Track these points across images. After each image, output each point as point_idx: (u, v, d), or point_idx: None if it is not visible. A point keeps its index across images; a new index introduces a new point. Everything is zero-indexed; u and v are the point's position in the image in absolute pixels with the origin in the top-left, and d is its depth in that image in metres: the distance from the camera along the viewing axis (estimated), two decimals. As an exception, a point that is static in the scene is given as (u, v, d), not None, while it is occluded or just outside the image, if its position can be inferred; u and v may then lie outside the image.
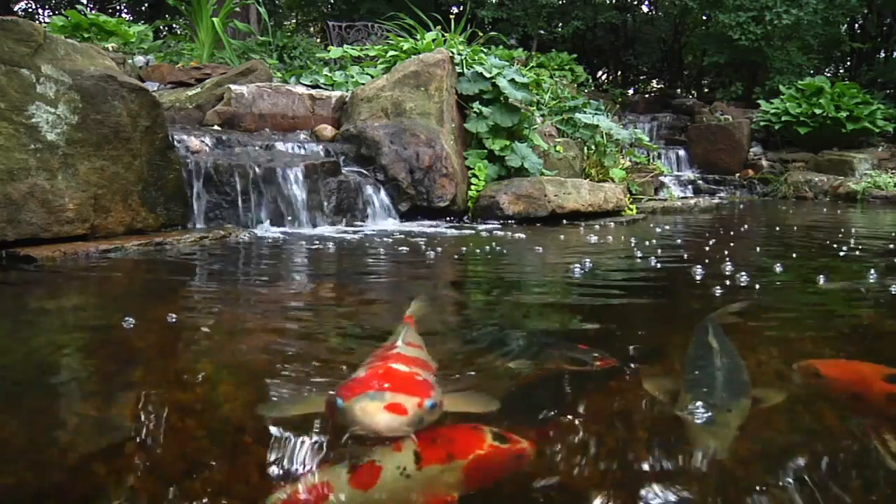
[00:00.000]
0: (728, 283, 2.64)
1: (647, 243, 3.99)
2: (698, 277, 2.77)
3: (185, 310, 2.38)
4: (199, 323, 2.15)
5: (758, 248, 4.20)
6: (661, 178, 8.18)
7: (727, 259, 3.14)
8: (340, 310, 2.38)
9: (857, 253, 3.67)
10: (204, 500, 1.03)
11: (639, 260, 3.37)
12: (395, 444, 1.03)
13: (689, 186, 9.49)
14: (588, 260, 3.13)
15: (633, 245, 3.97)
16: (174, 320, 2.03)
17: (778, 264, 3.04)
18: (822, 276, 2.76)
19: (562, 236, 4.52)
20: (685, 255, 3.65)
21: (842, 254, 3.59)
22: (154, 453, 1.18)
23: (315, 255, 3.58)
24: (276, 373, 1.64)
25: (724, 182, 9.92)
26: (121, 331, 1.94)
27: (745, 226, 5.62)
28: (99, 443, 1.25)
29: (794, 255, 3.74)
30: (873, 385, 1.42)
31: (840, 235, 4.69)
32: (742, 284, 2.61)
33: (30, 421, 1.37)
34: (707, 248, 3.83)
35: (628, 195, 6.39)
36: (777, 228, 5.22)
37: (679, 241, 4.50)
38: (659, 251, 3.66)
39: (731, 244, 4.04)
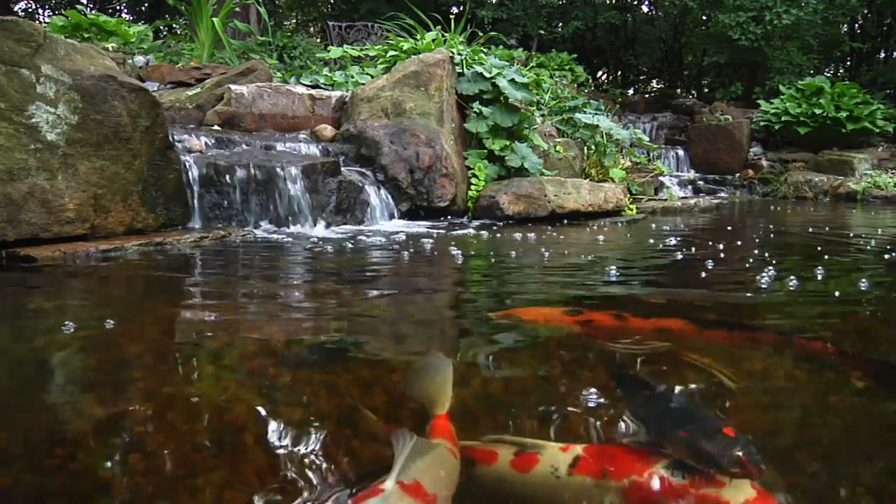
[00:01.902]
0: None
1: (684, 247, 3.99)
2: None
3: (185, 310, 2.38)
4: (199, 323, 2.15)
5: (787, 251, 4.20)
6: (661, 178, 8.18)
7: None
8: (340, 310, 2.38)
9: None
10: (203, 500, 1.03)
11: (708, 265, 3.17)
12: (565, 445, 1.10)
13: (689, 186, 9.49)
14: (613, 265, 3.10)
15: (670, 246, 3.94)
16: (111, 325, 2.01)
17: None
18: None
19: (563, 236, 4.52)
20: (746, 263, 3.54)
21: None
22: (154, 453, 1.18)
23: (315, 255, 3.57)
24: (276, 373, 1.64)
25: (724, 182, 9.92)
26: (121, 331, 1.94)
27: (770, 225, 5.58)
28: (99, 442, 1.25)
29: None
30: (561, 318, 2.13)
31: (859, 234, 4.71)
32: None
33: (30, 421, 1.37)
34: (738, 248, 3.82)
35: (628, 195, 6.39)
36: (810, 230, 5.14)
37: (723, 248, 4.43)
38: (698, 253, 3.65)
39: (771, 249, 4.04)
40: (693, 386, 1.48)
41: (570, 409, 1.39)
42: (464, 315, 2.43)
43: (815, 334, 2.02)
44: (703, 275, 2.94)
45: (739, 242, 4.16)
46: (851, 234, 4.83)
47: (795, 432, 1.34)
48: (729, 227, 5.56)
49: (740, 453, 0.95)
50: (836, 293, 2.68)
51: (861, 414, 1.43)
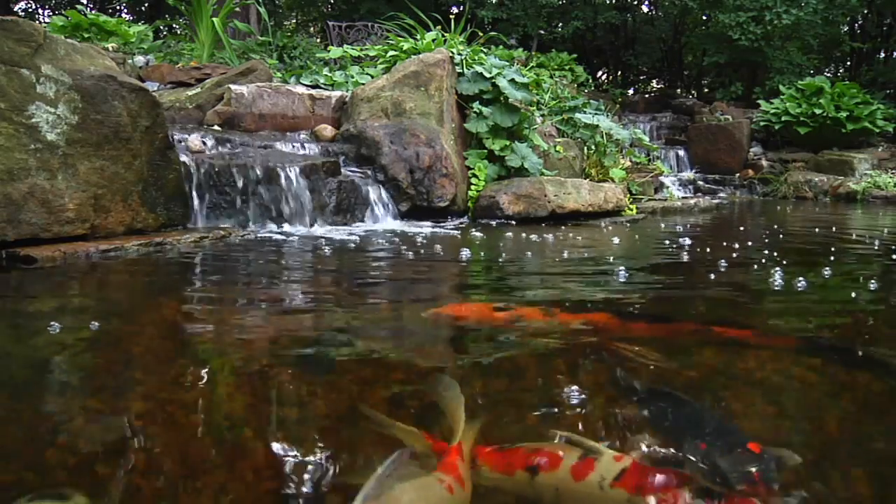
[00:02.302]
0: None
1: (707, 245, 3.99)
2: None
3: (185, 310, 2.38)
4: (199, 323, 2.15)
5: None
6: (661, 178, 8.17)
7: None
8: (340, 310, 2.38)
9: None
10: (203, 500, 1.03)
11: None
12: (619, 454, 1.11)
13: (689, 186, 9.48)
14: (622, 267, 3.10)
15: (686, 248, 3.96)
16: (111, 325, 2.03)
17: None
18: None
19: (563, 236, 4.52)
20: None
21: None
22: (154, 453, 1.18)
23: (315, 255, 3.58)
24: (276, 374, 1.64)
25: (724, 182, 9.92)
26: (121, 331, 1.94)
27: (774, 225, 5.58)
28: (99, 442, 1.25)
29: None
30: (491, 314, 2.16)
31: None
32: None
33: (30, 420, 1.37)
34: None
35: (628, 195, 6.39)
36: (817, 230, 5.16)
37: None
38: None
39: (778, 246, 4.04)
40: (619, 369, 1.63)
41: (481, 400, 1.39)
42: (399, 311, 2.43)
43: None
44: (712, 276, 2.95)
45: (749, 243, 4.13)
46: (867, 236, 4.81)
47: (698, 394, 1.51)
48: (738, 227, 5.56)
49: (754, 470, 0.93)
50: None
51: (770, 375, 1.69)
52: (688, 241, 4.18)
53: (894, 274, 3.18)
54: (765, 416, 1.41)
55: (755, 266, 3.27)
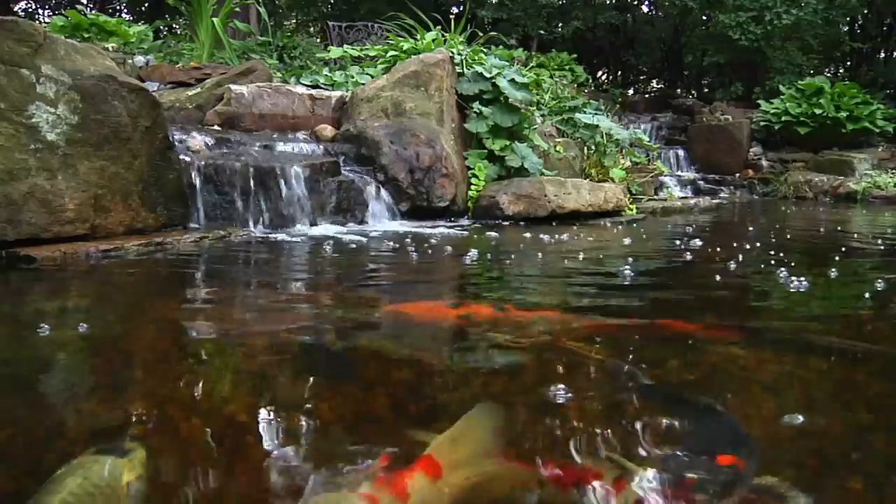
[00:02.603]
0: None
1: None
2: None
3: (185, 310, 2.38)
4: (199, 323, 2.15)
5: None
6: (661, 178, 8.18)
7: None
8: (340, 311, 2.38)
9: None
10: (202, 500, 1.02)
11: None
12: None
13: (689, 186, 9.48)
14: (628, 266, 3.11)
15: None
16: (110, 326, 2.05)
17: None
18: None
19: (562, 236, 4.52)
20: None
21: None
22: (154, 453, 1.18)
23: (315, 255, 3.58)
24: (275, 374, 1.64)
25: (724, 182, 9.92)
26: (120, 331, 1.94)
27: (777, 225, 5.58)
28: (99, 444, 1.25)
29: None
30: (446, 312, 2.23)
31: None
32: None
33: (30, 422, 1.37)
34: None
35: (628, 195, 6.39)
36: (821, 230, 5.15)
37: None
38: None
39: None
40: (564, 359, 1.72)
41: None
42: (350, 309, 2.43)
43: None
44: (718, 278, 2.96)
45: (758, 244, 4.13)
46: (875, 238, 4.80)
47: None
48: (740, 227, 5.56)
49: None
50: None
51: (704, 359, 1.80)
52: (687, 242, 4.18)
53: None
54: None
55: (762, 266, 3.27)
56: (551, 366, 1.69)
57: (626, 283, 2.86)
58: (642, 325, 2.11)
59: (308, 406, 1.40)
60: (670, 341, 1.94)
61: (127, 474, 1.00)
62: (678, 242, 4.26)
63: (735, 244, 4.02)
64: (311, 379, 1.59)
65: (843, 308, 2.54)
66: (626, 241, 4.34)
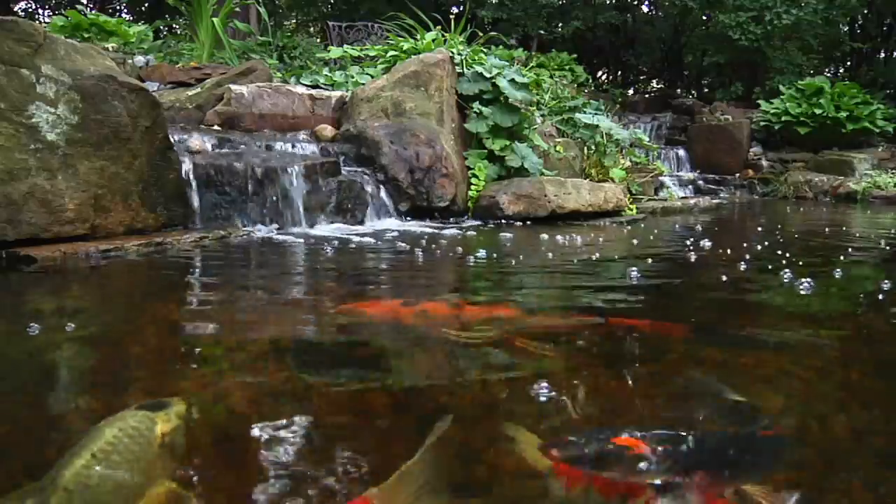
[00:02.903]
0: None
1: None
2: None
3: (185, 310, 2.38)
4: (199, 323, 2.15)
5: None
6: (661, 178, 8.18)
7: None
8: (338, 311, 2.38)
9: None
10: (202, 500, 1.03)
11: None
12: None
13: (689, 186, 9.49)
14: (635, 269, 3.11)
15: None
16: (109, 326, 2.07)
17: None
18: None
19: (560, 236, 4.52)
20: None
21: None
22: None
23: (315, 255, 3.58)
24: (274, 373, 1.64)
25: (724, 182, 9.92)
26: (120, 331, 1.94)
27: (779, 225, 5.57)
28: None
29: None
30: (399, 310, 2.26)
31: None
32: None
33: (29, 422, 1.37)
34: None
35: (628, 195, 6.39)
36: (827, 230, 5.12)
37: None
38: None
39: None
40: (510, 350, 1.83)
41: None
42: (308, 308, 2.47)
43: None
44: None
45: (767, 243, 4.12)
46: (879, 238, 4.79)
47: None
48: (741, 227, 5.56)
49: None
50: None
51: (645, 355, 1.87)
52: (687, 241, 4.18)
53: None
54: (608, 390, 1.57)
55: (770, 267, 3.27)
56: (492, 361, 1.74)
57: (615, 283, 2.86)
58: (594, 322, 2.16)
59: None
60: (617, 337, 2.00)
61: (162, 426, 1.08)
62: (678, 242, 4.26)
63: (743, 244, 4.02)
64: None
65: (840, 307, 2.55)
66: (625, 241, 4.34)
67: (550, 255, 3.73)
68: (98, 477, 0.91)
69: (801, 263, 3.18)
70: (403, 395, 1.51)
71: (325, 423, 1.34)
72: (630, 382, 1.60)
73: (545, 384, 1.47)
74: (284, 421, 1.31)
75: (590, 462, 1.10)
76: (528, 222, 5.12)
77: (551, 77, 9.55)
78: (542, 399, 1.42)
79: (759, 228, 5.29)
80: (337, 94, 5.92)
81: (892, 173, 8.98)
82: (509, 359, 1.78)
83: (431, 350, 1.90)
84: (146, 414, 1.10)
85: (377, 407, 1.42)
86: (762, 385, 1.61)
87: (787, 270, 2.83)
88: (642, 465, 1.09)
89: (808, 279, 2.61)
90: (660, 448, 1.13)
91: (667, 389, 1.58)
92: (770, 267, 3.21)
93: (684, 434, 1.24)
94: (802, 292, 2.54)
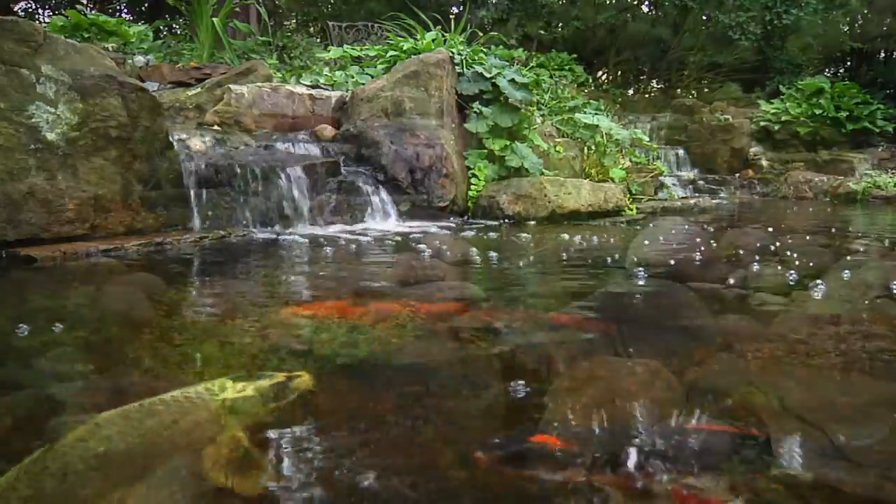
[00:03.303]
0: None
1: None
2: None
3: (184, 311, 2.38)
4: (199, 324, 2.15)
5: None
6: (661, 178, 8.18)
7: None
8: (338, 312, 2.38)
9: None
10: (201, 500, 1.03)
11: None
12: None
13: (689, 186, 9.49)
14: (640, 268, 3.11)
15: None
16: (109, 326, 2.09)
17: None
18: None
19: (559, 236, 4.52)
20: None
21: None
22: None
23: (315, 255, 3.58)
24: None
25: (724, 182, 9.92)
26: (120, 330, 1.94)
27: (782, 225, 5.54)
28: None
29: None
30: (345, 309, 2.28)
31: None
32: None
33: (28, 422, 1.37)
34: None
35: (628, 195, 6.39)
36: (833, 230, 5.06)
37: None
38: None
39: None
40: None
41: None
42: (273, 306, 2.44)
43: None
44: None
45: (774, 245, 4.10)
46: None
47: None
48: (743, 227, 5.55)
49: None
50: None
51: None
52: (687, 241, 4.19)
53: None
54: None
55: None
56: (431, 356, 1.80)
57: (603, 282, 2.86)
58: (532, 315, 2.25)
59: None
60: (545, 331, 2.07)
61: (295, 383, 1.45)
62: (674, 241, 4.25)
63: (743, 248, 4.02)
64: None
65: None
66: (622, 240, 4.34)
67: (554, 254, 3.74)
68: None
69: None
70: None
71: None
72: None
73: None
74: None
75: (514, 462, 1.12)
76: (529, 222, 5.12)
77: (551, 77, 9.56)
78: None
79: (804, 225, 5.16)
80: (337, 94, 5.92)
81: (893, 173, 8.98)
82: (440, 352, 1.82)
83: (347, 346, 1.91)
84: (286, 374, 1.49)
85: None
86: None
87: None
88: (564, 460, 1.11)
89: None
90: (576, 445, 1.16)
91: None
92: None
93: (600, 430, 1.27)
94: None
